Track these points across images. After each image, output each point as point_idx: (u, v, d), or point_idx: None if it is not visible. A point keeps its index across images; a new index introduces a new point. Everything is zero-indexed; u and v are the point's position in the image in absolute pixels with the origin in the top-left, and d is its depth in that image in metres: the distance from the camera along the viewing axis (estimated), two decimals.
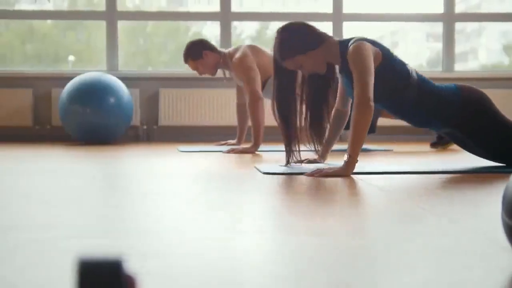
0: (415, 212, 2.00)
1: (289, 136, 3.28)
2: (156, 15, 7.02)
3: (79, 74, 5.86)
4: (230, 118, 6.27)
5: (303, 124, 3.30)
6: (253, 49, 4.89)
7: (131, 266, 1.24)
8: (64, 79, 6.05)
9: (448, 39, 6.72)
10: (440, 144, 5.01)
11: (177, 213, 1.99)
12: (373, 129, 5.05)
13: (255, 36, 7.94)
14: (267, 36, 7.96)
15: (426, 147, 5.17)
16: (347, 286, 1.14)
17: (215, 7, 6.60)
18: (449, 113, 3.16)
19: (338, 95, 3.37)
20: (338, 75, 3.30)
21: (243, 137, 5.30)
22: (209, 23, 6.74)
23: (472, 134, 3.19)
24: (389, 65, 3.11)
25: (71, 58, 7.34)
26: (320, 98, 3.30)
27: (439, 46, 6.96)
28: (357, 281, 1.19)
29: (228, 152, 4.56)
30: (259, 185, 2.69)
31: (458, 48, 7.10)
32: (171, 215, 1.95)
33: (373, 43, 3.12)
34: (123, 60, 6.66)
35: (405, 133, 6.25)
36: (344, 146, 3.27)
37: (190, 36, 7.82)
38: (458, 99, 3.15)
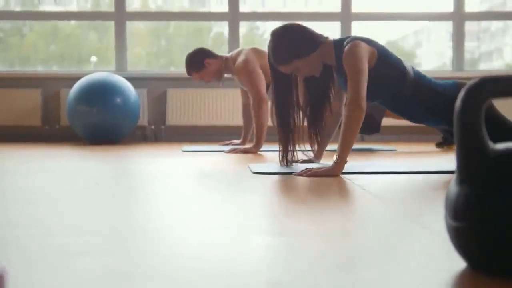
0: (389, 214, 1.99)
1: (286, 139, 3.27)
2: (165, 16, 7.03)
3: (87, 74, 5.90)
4: (237, 118, 6.28)
5: (301, 123, 3.29)
6: (256, 51, 4.90)
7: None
8: (72, 79, 6.11)
9: (458, 38, 6.64)
10: (445, 144, 4.98)
11: (161, 214, 2.00)
12: (377, 128, 5.03)
13: None
14: None
15: (432, 147, 5.14)
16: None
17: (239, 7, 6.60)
18: (446, 108, 3.12)
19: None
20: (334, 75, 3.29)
21: (248, 137, 5.31)
22: None
23: None
24: (385, 63, 3.10)
25: (94, 58, 7.38)
26: (321, 101, 3.29)
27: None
28: (321, 284, 1.19)
29: (229, 152, 4.57)
30: (246, 186, 2.69)
31: (483, 48, 6.99)
32: (158, 216, 1.96)
33: (368, 41, 3.11)
34: (144, 61, 6.67)
35: (410, 133, 6.22)
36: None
37: (212, 37, 7.83)
38: (455, 95, 3.12)
